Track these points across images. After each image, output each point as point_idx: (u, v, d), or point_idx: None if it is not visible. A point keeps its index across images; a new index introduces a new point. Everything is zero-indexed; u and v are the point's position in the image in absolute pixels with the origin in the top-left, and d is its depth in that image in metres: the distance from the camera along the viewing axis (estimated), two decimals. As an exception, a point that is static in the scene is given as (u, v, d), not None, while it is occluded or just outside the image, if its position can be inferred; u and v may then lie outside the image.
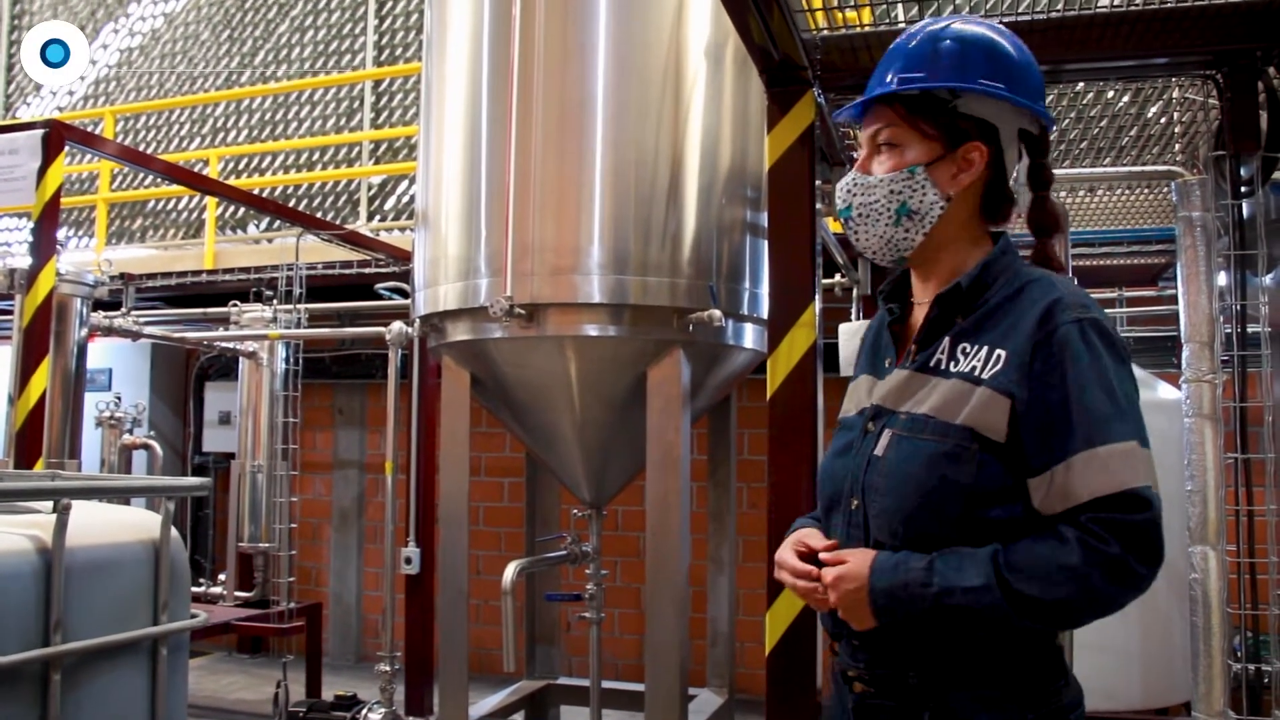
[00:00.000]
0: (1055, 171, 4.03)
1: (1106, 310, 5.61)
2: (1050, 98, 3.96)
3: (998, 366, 1.71)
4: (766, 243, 3.46)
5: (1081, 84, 3.79)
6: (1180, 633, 4.33)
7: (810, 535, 1.90)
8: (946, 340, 1.81)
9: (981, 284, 1.82)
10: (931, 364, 1.81)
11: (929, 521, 1.73)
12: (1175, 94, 3.74)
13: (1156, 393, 5.01)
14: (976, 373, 1.73)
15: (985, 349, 1.75)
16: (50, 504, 2.14)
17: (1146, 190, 4.98)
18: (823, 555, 1.80)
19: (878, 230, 1.86)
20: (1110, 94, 3.92)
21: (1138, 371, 5.10)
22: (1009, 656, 1.72)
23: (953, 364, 1.78)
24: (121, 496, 2.87)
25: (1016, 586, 1.61)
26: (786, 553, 1.88)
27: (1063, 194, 4.71)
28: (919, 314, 1.92)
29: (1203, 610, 3.35)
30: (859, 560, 1.74)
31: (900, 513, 1.75)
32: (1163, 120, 3.96)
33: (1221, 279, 3.54)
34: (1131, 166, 4.27)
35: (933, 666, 1.73)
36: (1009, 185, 1.90)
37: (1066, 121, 4.11)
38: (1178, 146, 4.01)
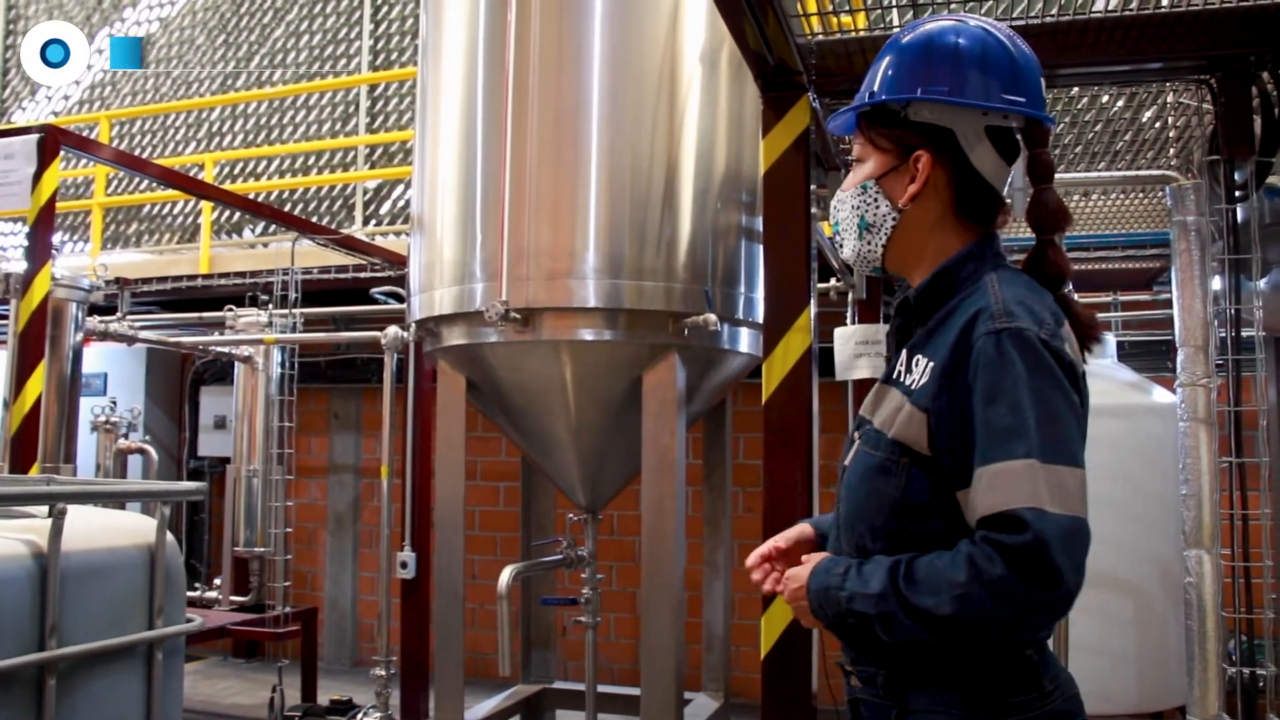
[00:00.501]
0: (1049, 176, 4.02)
1: (1101, 314, 5.55)
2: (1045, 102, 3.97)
3: (924, 379, 1.71)
4: (762, 247, 3.46)
5: (1076, 88, 3.80)
6: (1175, 636, 4.34)
7: (787, 533, 2.04)
8: (904, 352, 1.81)
9: (935, 293, 1.82)
10: (893, 375, 1.82)
11: (865, 531, 1.78)
12: (1170, 98, 3.75)
13: (1151, 397, 5.02)
14: (912, 385, 1.73)
15: (922, 360, 1.74)
16: (45, 509, 2.14)
17: (1141, 195, 4.99)
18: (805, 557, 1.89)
19: (850, 243, 1.92)
20: (1105, 98, 3.93)
21: (1131, 375, 5.17)
22: (967, 664, 1.69)
23: (906, 375, 1.77)
24: (117, 501, 2.86)
25: (910, 599, 1.60)
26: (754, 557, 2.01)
27: (1057, 198, 4.72)
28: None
29: (1197, 614, 3.35)
30: (810, 564, 1.82)
31: (850, 522, 1.83)
32: (1157, 125, 3.97)
33: (1216, 283, 3.55)
34: (1126, 171, 4.28)
35: (897, 665, 1.76)
36: (988, 185, 1.86)
37: (1061, 126, 4.12)
38: (1172, 151, 4.02)
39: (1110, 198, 5.09)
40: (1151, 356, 6.19)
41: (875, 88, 1.87)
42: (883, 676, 1.78)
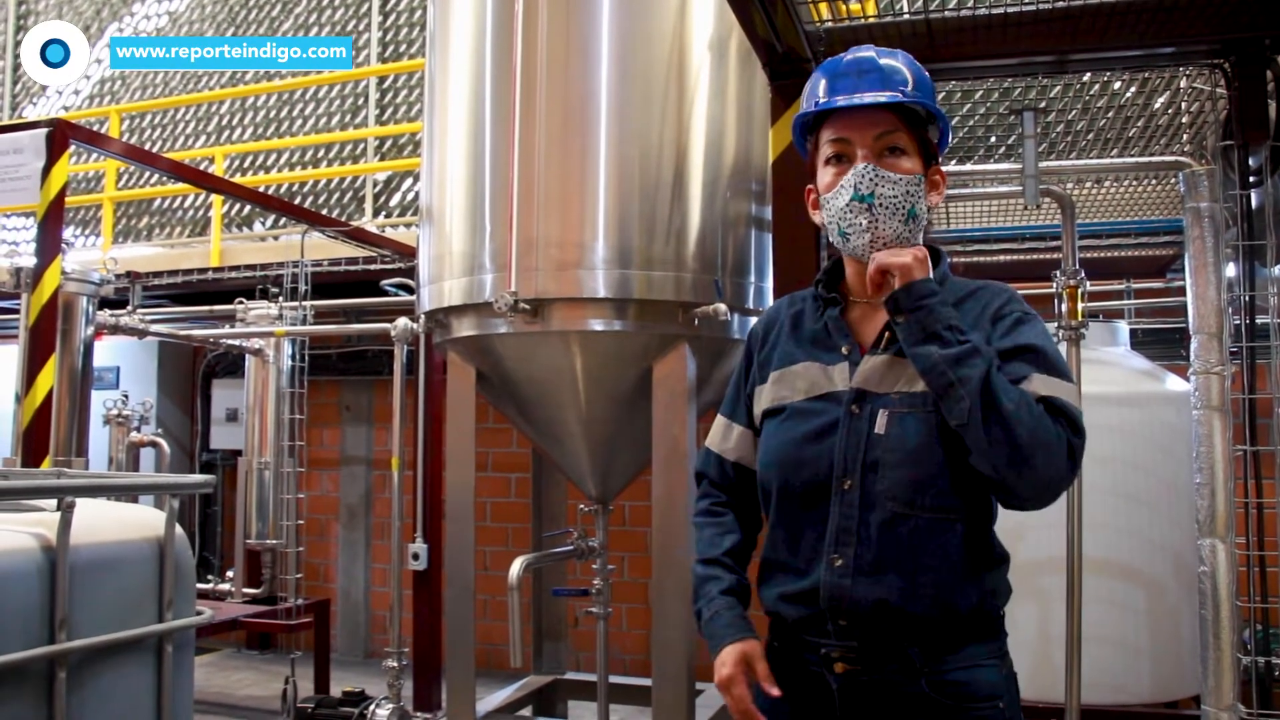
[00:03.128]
0: (1063, 163, 4.02)
1: (1114, 302, 5.56)
2: (1056, 89, 3.95)
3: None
4: (771, 236, 3.46)
5: (1088, 75, 3.77)
6: (1189, 626, 4.31)
7: (749, 651, 1.97)
8: None
9: (940, 285, 1.95)
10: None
11: (942, 488, 1.86)
12: (1183, 84, 3.71)
13: (1165, 385, 4.98)
14: None
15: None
16: (55, 502, 2.14)
17: (1154, 182, 4.95)
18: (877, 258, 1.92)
19: (893, 224, 1.92)
20: (1117, 85, 3.90)
21: (1144, 363, 5.15)
22: (988, 618, 1.92)
23: None
24: (126, 494, 2.86)
25: (999, 398, 1.75)
26: (741, 688, 1.96)
27: (1069, 185, 4.69)
28: (868, 310, 2.03)
29: (1212, 603, 3.34)
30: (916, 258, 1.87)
31: (914, 483, 1.86)
32: (1170, 110, 3.94)
33: (1230, 270, 3.53)
34: (1138, 157, 4.24)
35: (931, 637, 1.86)
36: None
37: (1073, 113, 4.09)
38: (1185, 137, 3.99)
39: (1122, 184, 5.05)
40: (1164, 344, 6.16)
41: (918, 92, 1.96)
42: (917, 650, 1.86)
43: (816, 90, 2.01)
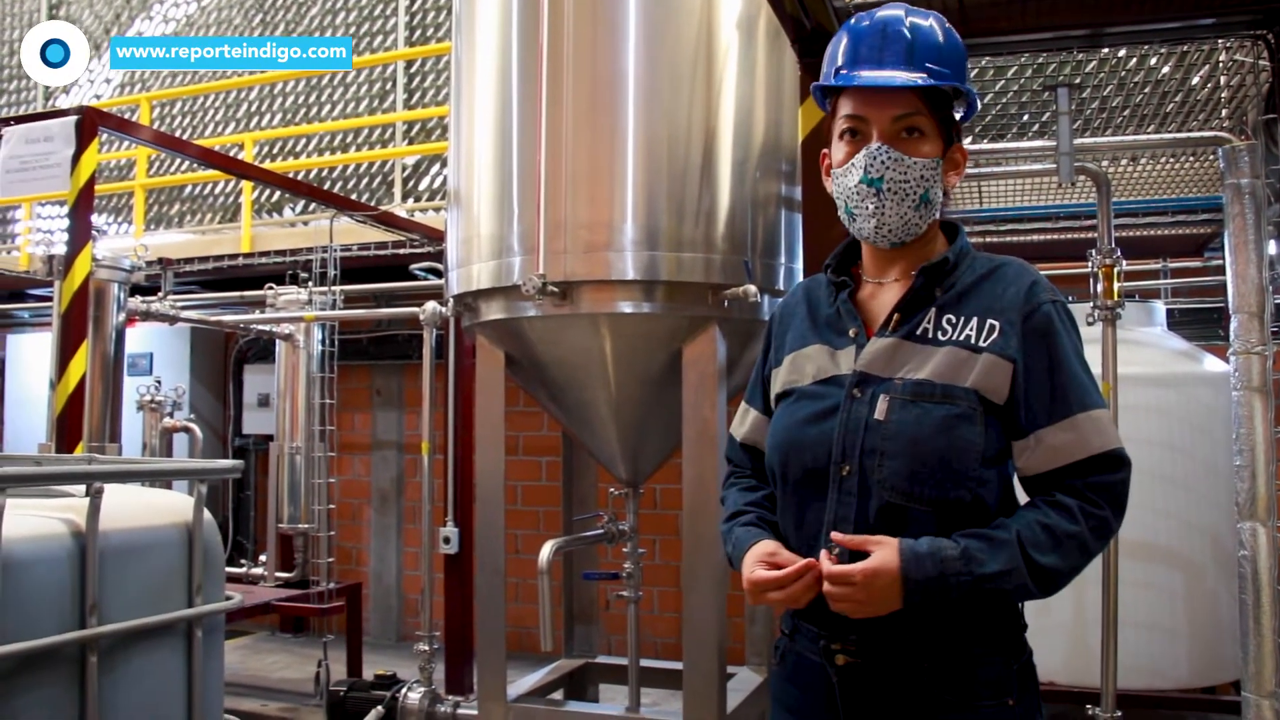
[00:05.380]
0: (1098, 139, 3.95)
1: (1150, 281, 5.49)
2: (1092, 64, 3.88)
3: (994, 335, 1.82)
4: (801, 216, 3.42)
5: (1124, 49, 3.70)
6: (1228, 610, 4.26)
7: (769, 548, 1.89)
8: (932, 311, 1.89)
9: (957, 262, 1.93)
10: (918, 333, 1.88)
11: (942, 480, 1.80)
12: (1222, 57, 3.64)
13: (1203, 365, 4.92)
14: (973, 340, 1.83)
15: (975, 320, 1.85)
16: (85, 488, 2.14)
17: (1191, 158, 4.87)
18: (838, 539, 1.79)
19: (902, 210, 1.89)
20: (1154, 59, 3.83)
21: (1181, 343, 5.09)
22: (997, 615, 1.85)
23: (940, 334, 1.86)
24: (155, 480, 2.87)
25: (1039, 561, 1.73)
26: (760, 571, 1.85)
27: (1104, 163, 4.62)
28: (877, 290, 1.99)
29: (1252, 587, 3.29)
30: (885, 553, 1.74)
31: (913, 474, 1.81)
32: (1209, 84, 3.86)
33: (1272, 248, 3.46)
34: (1176, 133, 4.17)
35: (934, 632, 1.81)
36: None
37: (1109, 89, 4.02)
38: (1225, 112, 3.91)
39: (1159, 161, 4.98)
40: (1202, 324, 6.08)
41: (948, 70, 1.89)
42: (918, 644, 1.82)
43: (837, 53, 1.95)
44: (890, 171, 1.86)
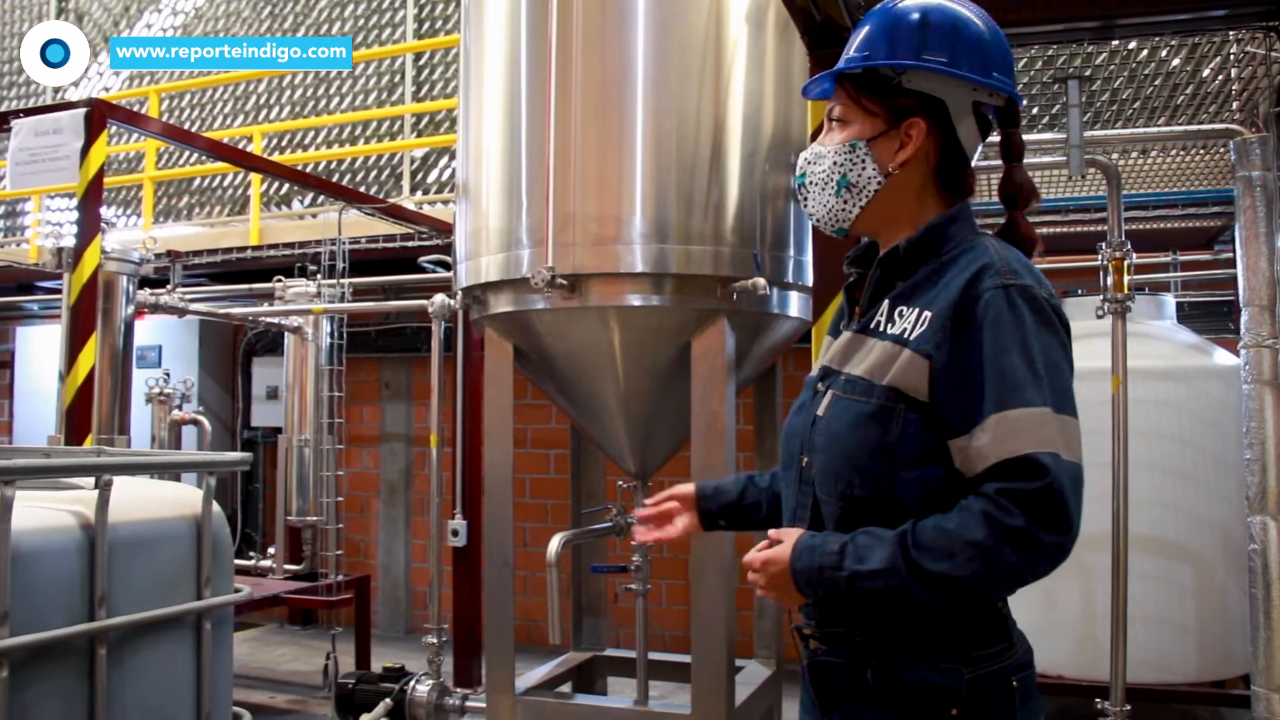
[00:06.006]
0: (1107, 132, 3.94)
1: (1160, 275, 5.46)
2: (1102, 56, 3.86)
3: (922, 328, 1.75)
4: (810, 209, 3.38)
5: (1135, 41, 3.68)
6: (1238, 604, 4.26)
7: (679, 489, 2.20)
8: (886, 303, 1.86)
9: (922, 247, 1.86)
10: (871, 326, 1.86)
11: (857, 479, 1.78)
12: (1234, 49, 3.62)
13: (1212, 359, 4.90)
14: (906, 334, 1.77)
15: (916, 311, 1.78)
16: (94, 480, 2.14)
17: (1202, 151, 4.85)
18: (771, 534, 1.86)
19: (822, 199, 1.93)
20: (1164, 51, 3.81)
21: (1191, 336, 5.06)
22: (947, 618, 1.75)
23: (889, 326, 1.82)
24: (164, 472, 2.88)
25: (924, 566, 1.64)
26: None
27: (1115, 156, 4.60)
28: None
29: (1262, 581, 3.28)
30: (784, 545, 1.79)
31: (833, 471, 1.81)
32: (1220, 76, 3.84)
33: (1282, 240, 3.44)
34: (1187, 125, 4.15)
35: (874, 626, 1.79)
36: (966, 157, 1.91)
37: (1119, 81, 4.00)
38: (1236, 104, 3.90)
39: (1170, 154, 4.96)
40: (1212, 318, 6.05)
41: (867, 51, 1.89)
42: (860, 638, 1.81)
43: None
44: (810, 166, 1.94)
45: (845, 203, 1.90)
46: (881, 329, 1.83)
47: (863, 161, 1.87)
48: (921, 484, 1.74)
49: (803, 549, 1.76)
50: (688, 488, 2.25)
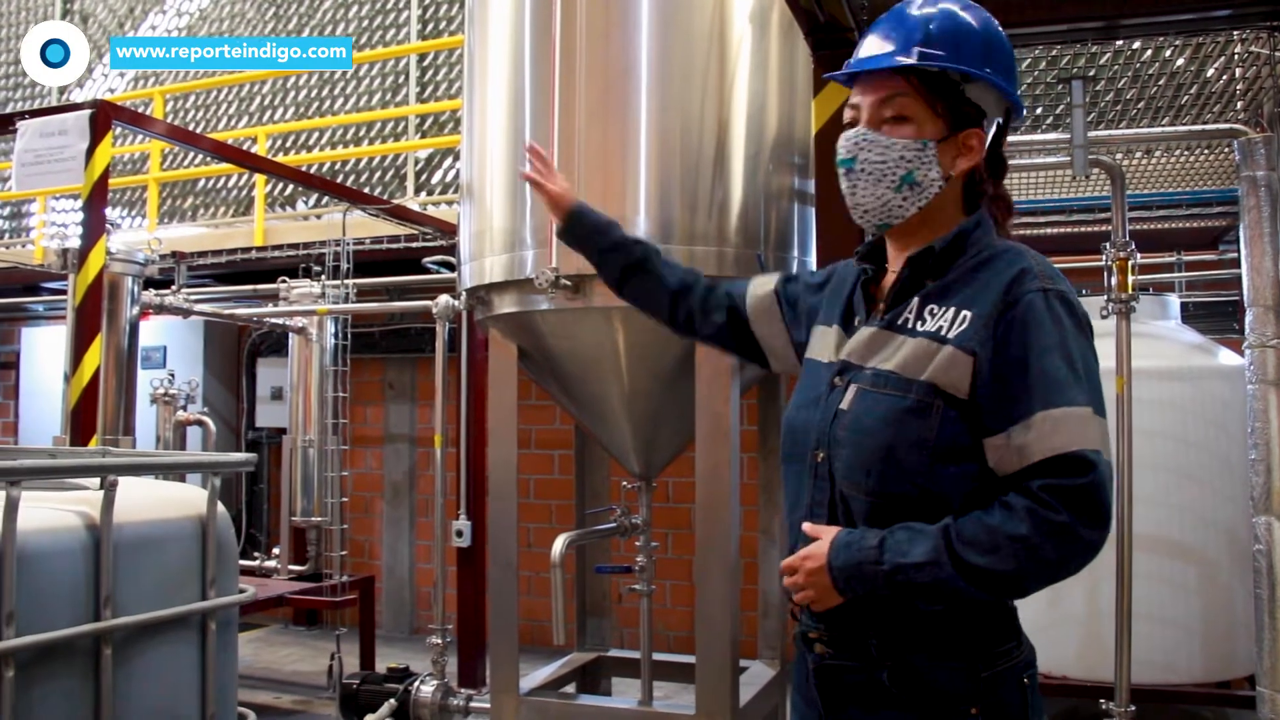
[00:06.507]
0: (1113, 132, 3.93)
1: (1165, 275, 5.46)
2: (1106, 56, 3.86)
3: (963, 326, 1.78)
4: (814, 210, 3.40)
5: (1139, 41, 3.68)
6: (1243, 605, 4.25)
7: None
8: (915, 300, 1.87)
9: (955, 250, 1.88)
10: (899, 322, 1.87)
11: (891, 474, 1.78)
12: (1238, 49, 3.62)
13: (1217, 359, 4.89)
14: (943, 332, 1.79)
15: (952, 310, 1.81)
16: (99, 480, 2.15)
17: (1206, 151, 4.85)
18: (806, 529, 1.85)
19: (878, 191, 1.88)
20: (1169, 51, 3.81)
21: (1195, 337, 5.06)
22: (963, 619, 1.78)
23: (919, 323, 1.83)
24: (169, 473, 2.88)
25: (968, 559, 1.67)
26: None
27: (1119, 156, 4.60)
28: (888, 278, 1.97)
29: (1267, 582, 3.28)
30: (820, 542, 1.79)
31: (863, 466, 1.80)
32: (1224, 76, 3.84)
33: (1287, 240, 3.44)
34: (1191, 125, 4.15)
35: (891, 629, 1.80)
36: (1000, 170, 1.98)
37: (1123, 81, 4.00)
38: (1240, 104, 3.89)
39: (1174, 154, 4.95)
40: (1217, 318, 6.05)
41: (942, 52, 1.86)
42: (875, 639, 1.81)
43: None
44: (865, 152, 1.87)
45: (905, 200, 1.87)
46: (911, 326, 1.84)
47: (930, 162, 1.86)
48: (961, 480, 1.76)
49: (840, 545, 1.76)
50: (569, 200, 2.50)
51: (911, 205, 1.88)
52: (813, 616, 1.88)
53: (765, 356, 2.32)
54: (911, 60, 1.85)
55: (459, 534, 5.81)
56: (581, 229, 2.50)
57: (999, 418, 1.73)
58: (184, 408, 7.62)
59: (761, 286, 2.31)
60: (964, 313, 1.78)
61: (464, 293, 4.21)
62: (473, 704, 5.16)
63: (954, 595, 1.71)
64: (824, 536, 1.80)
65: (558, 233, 2.50)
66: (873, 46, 1.91)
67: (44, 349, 9.23)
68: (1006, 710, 1.79)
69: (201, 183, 9.94)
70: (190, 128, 9.77)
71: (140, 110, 8.53)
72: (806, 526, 1.84)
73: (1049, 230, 5.73)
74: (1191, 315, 5.80)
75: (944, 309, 1.81)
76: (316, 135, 9.56)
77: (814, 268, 3.92)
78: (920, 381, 1.77)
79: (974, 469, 1.76)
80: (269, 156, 8.57)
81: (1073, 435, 1.68)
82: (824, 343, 2.02)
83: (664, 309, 2.44)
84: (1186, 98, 4.06)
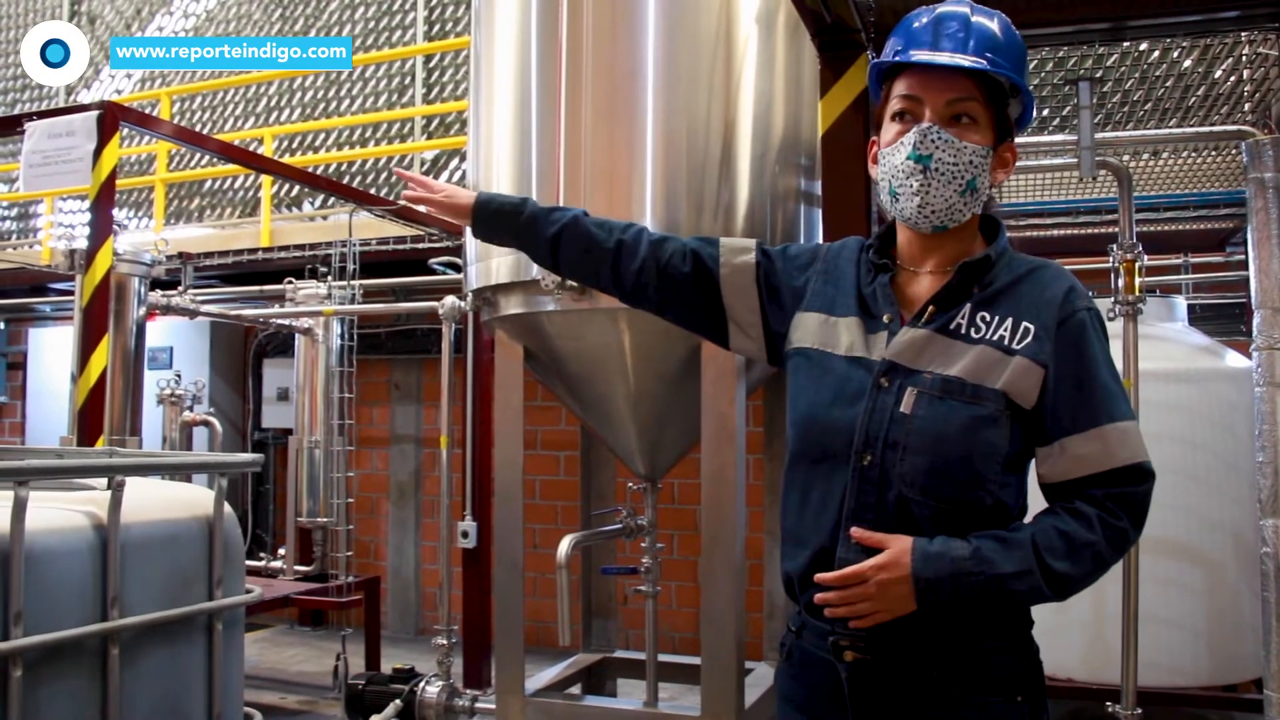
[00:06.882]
0: (1120, 134, 3.93)
1: (1172, 277, 5.47)
2: (1113, 58, 3.86)
3: (1028, 339, 1.81)
4: (821, 211, 3.40)
5: (1146, 42, 3.68)
6: (1250, 608, 4.24)
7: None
8: (968, 307, 1.87)
9: (997, 260, 1.92)
10: (951, 328, 1.86)
11: (962, 481, 1.79)
12: (1245, 50, 3.61)
13: (1224, 361, 4.88)
14: (1006, 342, 1.81)
15: (1010, 320, 1.83)
16: (106, 481, 2.15)
17: (1214, 153, 4.84)
18: (857, 535, 1.80)
19: (947, 193, 1.85)
20: (1176, 53, 3.81)
21: (1202, 339, 5.05)
22: (1005, 613, 1.84)
23: (974, 331, 1.84)
24: (176, 473, 2.88)
25: (1054, 567, 1.74)
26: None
27: (1126, 157, 4.59)
28: (911, 279, 1.96)
29: (1274, 585, 3.27)
30: (896, 550, 1.76)
31: (933, 472, 1.79)
32: (1232, 78, 3.83)
33: (1295, 242, 3.43)
34: (1198, 127, 4.14)
35: (940, 630, 1.80)
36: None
37: (1131, 82, 3.99)
38: (1248, 105, 3.89)
39: (1181, 156, 4.95)
40: (1224, 320, 6.04)
41: (1006, 63, 1.86)
42: (923, 640, 1.80)
43: (899, 37, 1.94)
44: (940, 151, 1.83)
45: (966, 204, 1.87)
46: (964, 332, 1.84)
47: (987, 170, 1.88)
48: (1018, 488, 1.85)
49: (929, 556, 1.75)
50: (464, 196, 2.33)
51: (968, 211, 1.89)
52: (845, 623, 1.82)
53: (725, 331, 2.17)
54: (986, 66, 1.84)
55: (465, 535, 5.80)
56: (491, 216, 2.28)
57: (1059, 428, 1.80)
58: (190, 408, 7.63)
59: (738, 255, 2.14)
60: (1025, 325, 1.82)
61: (470, 294, 4.22)
62: (478, 705, 5.16)
63: (1033, 600, 1.79)
64: (891, 545, 1.76)
65: (472, 231, 2.32)
66: (929, 44, 1.87)
67: (51, 349, 9.25)
68: (1039, 696, 1.86)
69: (208, 184, 9.96)
70: (197, 129, 9.79)
71: (147, 111, 8.55)
72: (859, 533, 1.79)
73: (1056, 232, 5.72)
74: (1198, 317, 5.79)
75: (997, 318, 1.84)
76: (323, 136, 9.56)
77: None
78: (995, 390, 1.79)
79: (1023, 478, 1.86)
80: (275, 157, 8.58)
81: (1136, 447, 1.80)
82: (837, 335, 1.94)
83: (606, 270, 2.23)
84: (1194, 99, 4.06)
